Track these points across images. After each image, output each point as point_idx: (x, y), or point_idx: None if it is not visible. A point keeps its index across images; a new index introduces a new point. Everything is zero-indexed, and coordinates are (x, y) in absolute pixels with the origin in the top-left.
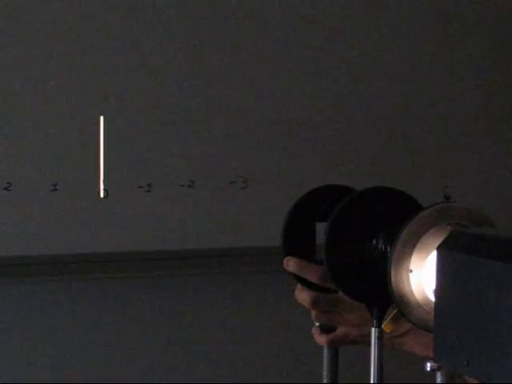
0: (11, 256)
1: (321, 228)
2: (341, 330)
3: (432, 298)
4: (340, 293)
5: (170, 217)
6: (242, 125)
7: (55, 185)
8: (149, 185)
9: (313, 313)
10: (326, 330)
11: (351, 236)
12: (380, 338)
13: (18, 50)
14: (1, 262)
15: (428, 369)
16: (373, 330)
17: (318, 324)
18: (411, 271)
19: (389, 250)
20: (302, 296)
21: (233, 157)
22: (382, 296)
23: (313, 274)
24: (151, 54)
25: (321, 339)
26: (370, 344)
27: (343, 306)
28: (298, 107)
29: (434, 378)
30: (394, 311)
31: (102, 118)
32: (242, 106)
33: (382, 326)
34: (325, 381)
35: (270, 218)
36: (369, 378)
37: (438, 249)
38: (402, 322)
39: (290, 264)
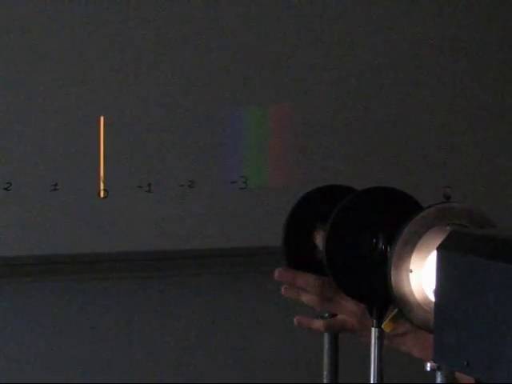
0: (11, 256)
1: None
2: (340, 317)
3: (432, 298)
4: None
5: (170, 217)
6: (241, 125)
7: (55, 185)
8: (149, 185)
9: (314, 299)
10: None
11: (351, 236)
12: (380, 338)
13: (18, 51)
14: (1, 262)
15: (428, 369)
16: (373, 330)
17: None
18: (411, 271)
19: (389, 249)
20: (308, 280)
21: (232, 157)
22: (382, 296)
23: (310, 286)
24: (151, 54)
25: (318, 325)
26: (368, 335)
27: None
28: (298, 107)
29: (434, 378)
30: (394, 311)
31: (102, 118)
32: (242, 106)
33: (382, 326)
34: (325, 381)
35: (269, 218)
36: (369, 378)
37: (438, 249)
38: (403, 322)
39: (282, 276)
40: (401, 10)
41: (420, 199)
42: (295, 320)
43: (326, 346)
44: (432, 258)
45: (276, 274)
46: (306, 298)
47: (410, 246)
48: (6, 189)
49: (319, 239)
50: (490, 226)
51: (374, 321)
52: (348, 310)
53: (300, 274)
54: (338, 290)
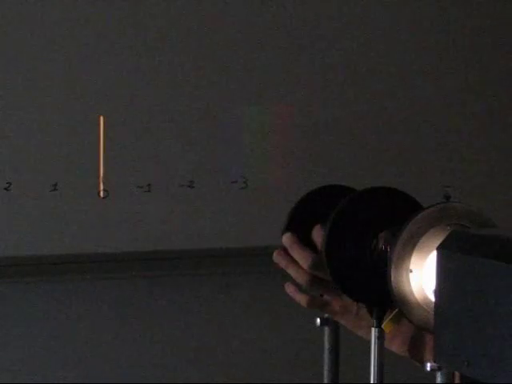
0: (11, 256)
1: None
2: (325, 298)
3: (432, 298)
4: None
5: (170, 217)
6: (241, 125)
7: (55, 185)
8: (149, 185)
9: (304, 274)
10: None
11: (351, 236)
12: (380, 338)
13: (18, 50)
14: (1, 262)
15: (428, 369)
16: (373, 330)
17: (318, 321)
18: (411, 271)
19: (389, 249)
20: (302, 254)
21: (232, 157)
22: (382, 296)
23: (303, 261)
24: (151, 54)
25: (301, 298)
26: (350, 319)
27: None
28: (298, 108)
29: (434, 378)
30: (394, 311)
31: (101, 118)
32: (242, 106)
33: (382, 326)
34: (325, 381)
35: (270, 218)
36: (369, 378)
37: (438, 249)
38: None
39: (286, 240)
40: (402, 10)
41: (420, 199)
42: (286, 285)
43: (327, 345)
44: (432, 257)
45: (283, 238)
46: (293, 271)
47: (410, 246)
48: (5, 189)
49: (319, 239)
50: (490, 226)
51: (374, 321)
52: (334, 292)
53: (298, 245)
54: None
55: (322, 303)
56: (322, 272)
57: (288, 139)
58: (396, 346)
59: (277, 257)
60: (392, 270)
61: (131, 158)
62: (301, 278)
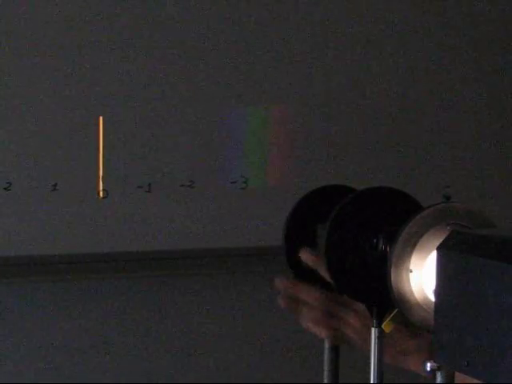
0: (11, 256)
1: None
2: (341, 331)
3: (432, 298)
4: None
5: (170, 217)
6: (241, 125)
7: (55, 185)
8: (149, 185)
9: (317, 315)
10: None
11: (351, 236)
12: (380, 338)
13: (17, 50)
14: (1, 262)
15: (428, 369)
16: (373, 330)
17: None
18: (411, 271)
19: (389, 249)
20: (311, 293)
21: (232, 157)
22: (382, 296)
23: (313, 299)
24: (151, 54)
25: (319, 330)
26: (359, 348)
27: (347, 310)
28: (298, 107)
29: (434, 378)
30: (394, 311)
31: (101, 118)
32: (242, 106)
33: (382, 326)
34: (325, 381)
35: (270, 218)
36: (369, 378)
37: (438, 249)
38: (408, 341)
39: (285, 285)
40: (401, 10)
41: (420, 199)
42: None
43: (327, 345)
44: (432, 257)
45: (276, 282)
46: (309, 314)
47: (410, 246)
48: (5, 189)
49: (319, 239)
50: (490, 226)
51: (374, 321)
52: (350, 325)
53: (302, 285)
54: (339, 304)
55: (338, 337)
56: (334, 306)
57: (288, 139)
58: (413, 365)
59: (285, 304)
60: (392, 269)
61: (131, 158)
62: (314, 320)
